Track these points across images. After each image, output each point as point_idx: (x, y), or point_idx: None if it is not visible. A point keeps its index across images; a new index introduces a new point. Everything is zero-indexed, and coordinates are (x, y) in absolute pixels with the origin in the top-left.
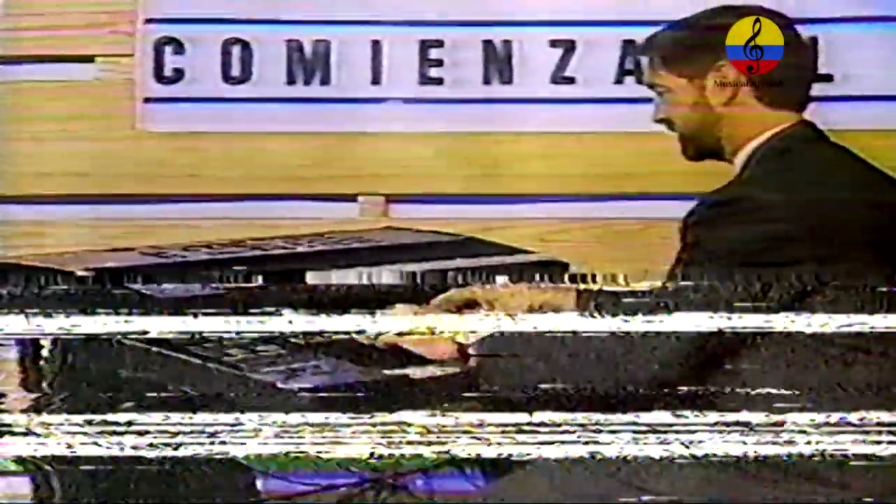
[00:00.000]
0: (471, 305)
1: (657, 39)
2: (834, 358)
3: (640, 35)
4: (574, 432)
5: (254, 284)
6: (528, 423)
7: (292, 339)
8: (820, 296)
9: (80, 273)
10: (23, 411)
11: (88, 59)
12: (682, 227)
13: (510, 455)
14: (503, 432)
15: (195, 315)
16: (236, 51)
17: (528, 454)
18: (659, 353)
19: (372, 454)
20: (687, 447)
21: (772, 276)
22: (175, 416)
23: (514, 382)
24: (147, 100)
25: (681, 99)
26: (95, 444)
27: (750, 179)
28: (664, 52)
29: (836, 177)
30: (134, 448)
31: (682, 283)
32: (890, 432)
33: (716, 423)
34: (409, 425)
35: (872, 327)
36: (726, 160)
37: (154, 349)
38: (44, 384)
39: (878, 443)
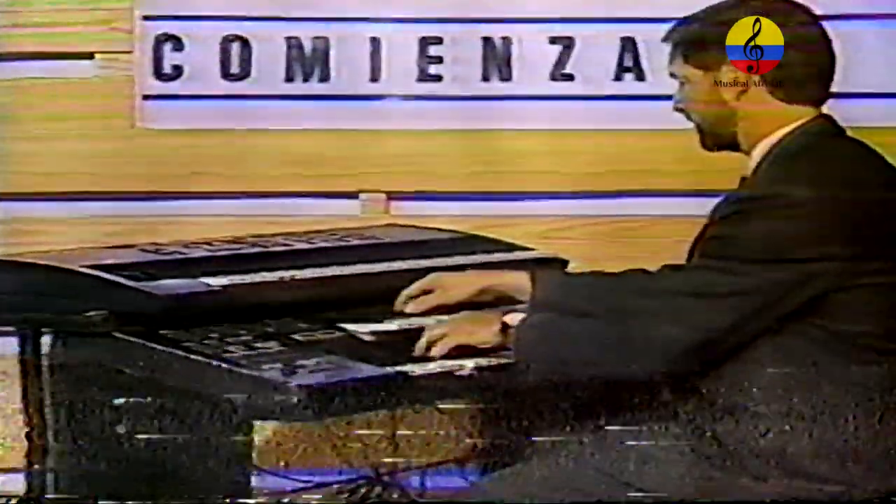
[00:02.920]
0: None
1: (678, 30)
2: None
3: (639, 32)
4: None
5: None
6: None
7: (292, 336)
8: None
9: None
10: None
11: (88, 56)
12: (709, 221)
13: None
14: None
15: (196, 313)
16: (235, 47)
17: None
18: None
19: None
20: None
21: (803, 271)
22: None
23: (553, 365)
24: (146, 97)
25: (697, 90)
26: (92, 440)
27: (777, 175)
28: (682, 42)
29: (861, 172)
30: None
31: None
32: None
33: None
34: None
35: None
36: (743, 152)
37: (153, 345)
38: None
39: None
